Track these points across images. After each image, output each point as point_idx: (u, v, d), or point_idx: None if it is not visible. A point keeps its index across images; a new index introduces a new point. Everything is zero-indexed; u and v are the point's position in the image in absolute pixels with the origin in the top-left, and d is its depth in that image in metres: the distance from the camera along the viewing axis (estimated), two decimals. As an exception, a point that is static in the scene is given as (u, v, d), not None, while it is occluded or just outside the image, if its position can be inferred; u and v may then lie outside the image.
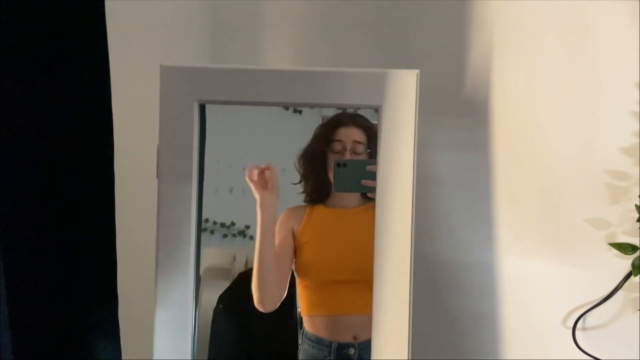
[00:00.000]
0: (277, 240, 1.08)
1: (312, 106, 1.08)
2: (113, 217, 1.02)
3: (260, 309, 1.07)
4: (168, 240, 1.02)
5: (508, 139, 1.20)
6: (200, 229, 1.06)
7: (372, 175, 1.02)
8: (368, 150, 1.06)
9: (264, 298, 1.07)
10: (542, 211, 1.19)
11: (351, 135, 1.07)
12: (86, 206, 0.99)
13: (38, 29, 0.92)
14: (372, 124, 1.06)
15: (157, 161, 1.02)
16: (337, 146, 1.07)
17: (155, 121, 1.02)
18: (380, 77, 1.01)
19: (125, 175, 1.11)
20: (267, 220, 1.07)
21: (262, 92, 1.02)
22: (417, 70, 1.01)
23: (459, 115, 1.23)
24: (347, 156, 1.06)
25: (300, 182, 1.09)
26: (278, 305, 1.08)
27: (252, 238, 1.08)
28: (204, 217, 1.08)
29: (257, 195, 1.06)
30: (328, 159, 1.07)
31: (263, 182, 1.06)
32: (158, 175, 1.02)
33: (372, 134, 1.05)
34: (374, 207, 1.03)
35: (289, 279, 1.09)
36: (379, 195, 1.02)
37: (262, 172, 1.06)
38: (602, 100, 1.15)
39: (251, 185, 1.06)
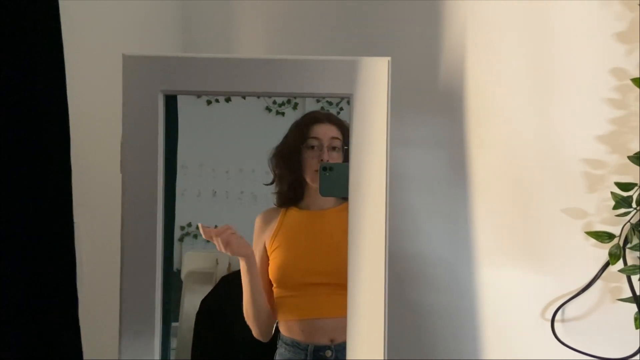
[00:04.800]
0: (257, 262, 1.07)
1: (281, 96, 1.06)
2: (70, 214, 0.98)
3: (261, 340, 1.07)
4: (133, 239, 0.98)
5: (480, 132, 1.20)
6: (170, 226, 1.02)
7: None
8: (345, 147, 1.05)
9: (264, 331, 1.07)
10: (518, 203, 1.18)
11: (328, 132, 1.06)
12: (40, 202, 0.95)
13: None
14: (345, 121, 1.05)
15: (121, 155, 0.98)
16: (313, 142, 1.06)
17: (118, 114, 0.98)
18: (351, 64, 0.99)
19: (88, 171, 1.07)
20: (252, 266, 1.06)
21: (229, 81, 0.99)
22: (389, 58, 0.99)
23: (431, 110, 1.22)
24: (325, 153, 1.05)
25: (272, 182, 1.07)
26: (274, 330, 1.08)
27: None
28: (186, 221, 1.06)
29: (243, 258, 1.05)
30: (303, 156, 1.06)
31: (238, 244, 1.04)
32: (122, 170, 0.99)
33: (346, 130, 1.04)
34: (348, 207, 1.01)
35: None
36: (351, 188, 0.99)
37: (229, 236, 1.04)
38: (575, 88, 1.15)
39: (231, 253, 1.05)
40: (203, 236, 1.04)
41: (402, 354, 1.20)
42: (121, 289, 0.98)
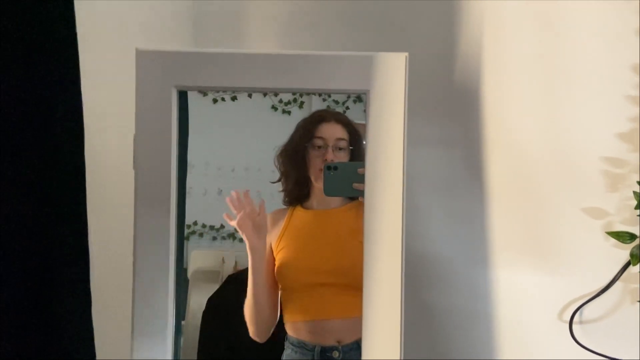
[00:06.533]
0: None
1: (296, 92, 1.05)
2: (84, 212, 0.98)
3: (257, 340, 1.05)
4: (146, 236, 0.98)
5: (496, 131, 1.17)
6: (182, 224, 1.01)
7: (364, 179, 0.99)
8: (351, 148, 1.04)
9: (261, 331, 1.06)
10: (535, 203, 1.16)
11: (334, 132, 1.05)
12: (55, 201, 0.95)
13: None
14: (353, 121, 1.04)
15: (134, 152, 0.97)
16: (319, 142, 1.05)
17: (131, 109, 0.97)
18: (367, 60, 0.97)
19: (101, 168, 1.06)
20: (258, 262, 1.04)
21: (243, 77, 0.98)
22: (406, 53, 0.97)
23: (444, 108, 1.20)
24: (330, 153, 1.04)
25: (279, 180, 1.06)
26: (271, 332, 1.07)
27: (241, 240, 1.05)
28: (192, 220, 1.05)
29: (247, 241, 1.04)
30: (309, 155, 1.05)
31: (252, 226, 1.03)
32: (135, 167, 0.98)
33: (353, 130, 1.04)
34: (354, 207, 1.01)
35: (279, 301, 1.07)
36: (367, 186, 0.98)
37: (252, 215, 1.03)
38: (594, 85, 1.12)
39: (240, 231, 1.03)
40: (229, 202, 1.02)
41: (416, 355, 1.18)
42: (134, 288, 0.98)
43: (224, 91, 1.08)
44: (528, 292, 1.17)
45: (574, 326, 1.13)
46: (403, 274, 0.97)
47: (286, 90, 1.03)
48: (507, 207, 1.18)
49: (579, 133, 1.13)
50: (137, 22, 1.19)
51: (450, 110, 1.20)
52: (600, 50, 1.11)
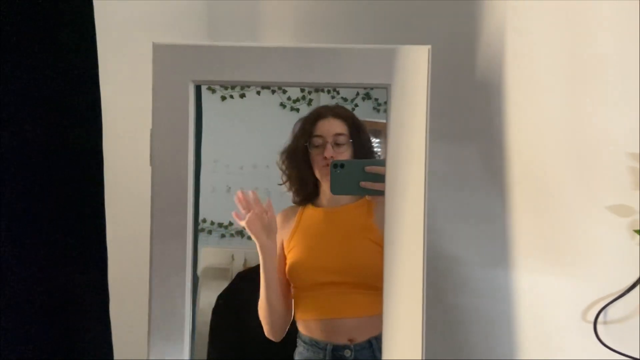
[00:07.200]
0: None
1: (316, 86, 1.03)
2: (102, 207, 0.97)
3: (272, 339, 1.05)
4: (163, 232, 0.97)
5: (518, 125, 1.15)
6: (197, 221, 1.00)
7: (371, 177, 0.97)
8: (350, 141, 1.03)
9: (275, 330, 1.06)
10: (559, 200, 1.14)
11: (331, 128, 1.03)
12: (73, 196, 0.95)
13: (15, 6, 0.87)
14: (352, 113, 1.03)
15: (151, 147, 0.96)
16: (318, 141, 1.03)
17: (148, 104, 0.96)
18: (389, 53, 0.95)
19: (117, 163, 1.05)
20: (269, 261, 1.04)
21: (262, 71, 0.96)
22: (429, 46, 0.95)
23: (464, 102, 1.18)
24: (329, 150, 1.02)
25: (285, 182, 1.06)
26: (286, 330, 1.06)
27: (250, 238, 1.05)
28: (201, 217, 1.05)
29: (256, 240, 1.03)
30: (310, 154, 1.04)
31: (261, 226, 1.03)
32: (151, 162, 0.96)
33: (353, 123, 1.03)
34: (365, 203, 1.00)
35: (292, 299, 1.07)
36: (388, 183, 0.96)
37: (261, 216, 1.02)
38: (620, 80, 1.09)
39: (249, 231, 1.03)
40: (237, 202, 1.02)
41: (435, 356, 1.16)
42: (150, 287, 0.97)
43: (241, 86, 1.07)
44: (550, 292, 1.15)
45: (598, 326, 1.11)
46: (425, 273, 0.96)
47: (306, 85, 1.02)
48: (528, 205, 1.15)
49: (603, 129, 1.10)
50: (153, 16, 1.18)
51: (470, 105, 1.18)
52: (626, 45, 1.08)
